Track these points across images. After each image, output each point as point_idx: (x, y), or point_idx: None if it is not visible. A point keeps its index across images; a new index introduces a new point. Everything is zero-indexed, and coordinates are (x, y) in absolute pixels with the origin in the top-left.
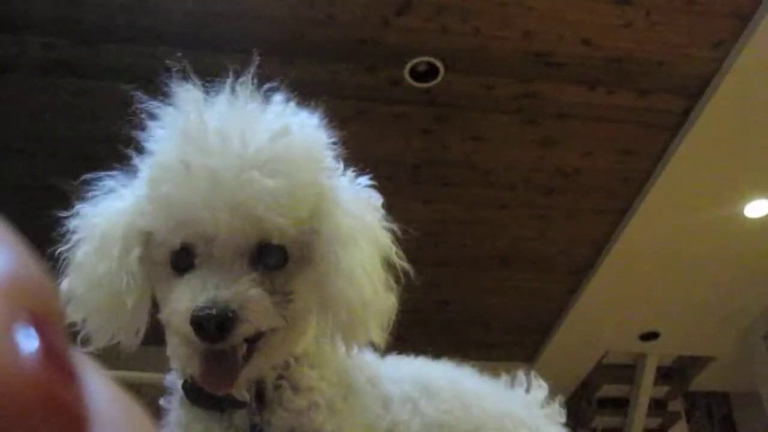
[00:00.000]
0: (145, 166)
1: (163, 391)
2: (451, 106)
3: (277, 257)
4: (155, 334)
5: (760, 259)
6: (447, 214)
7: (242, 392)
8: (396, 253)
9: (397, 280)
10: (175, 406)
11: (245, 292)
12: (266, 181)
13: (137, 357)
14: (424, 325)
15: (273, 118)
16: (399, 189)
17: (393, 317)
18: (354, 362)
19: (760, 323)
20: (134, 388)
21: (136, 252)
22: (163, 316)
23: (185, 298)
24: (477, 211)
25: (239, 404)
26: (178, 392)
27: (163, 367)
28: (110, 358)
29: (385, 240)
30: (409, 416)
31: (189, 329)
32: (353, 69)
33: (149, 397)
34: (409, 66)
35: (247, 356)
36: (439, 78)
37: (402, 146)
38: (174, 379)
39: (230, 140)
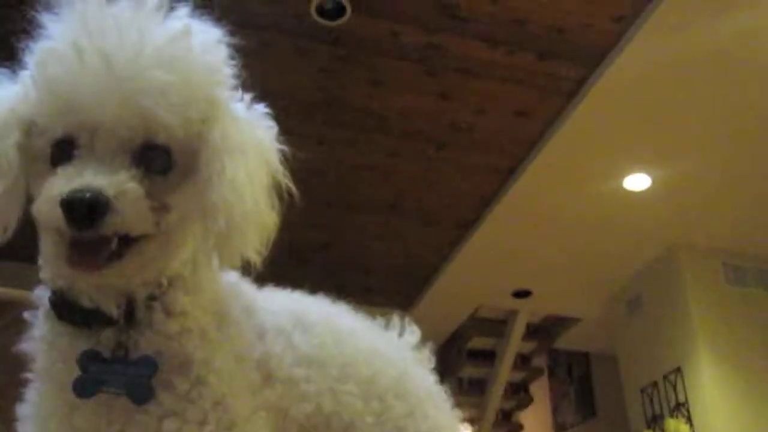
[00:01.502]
0: (34, 52)
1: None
2: (354, 48)
3: (162, 161)
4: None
5: (634, 229)
6: (339, 155)
7: (110, 307)
8: (283, 174)
9: (281, 199)
10: (41, 320)
11: (122, 184)
12: (159, 74)
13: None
14: (304, 263)
15: (175, 21)
16: (293, 125)
17: (272, 235)
18: (230, 291)
19: (626, 290)
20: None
21: (14, 137)
22: (35, 206)
23: (59, 184)
24: (369, 156)
25: (108, 322)
26: (45, 306)
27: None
28: None
29: (273, 157)
30: (281, 349)
31: (59, 214)
32: None
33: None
34: (316, 1)
35: (118, 255)
36: (346, 17)
37: (300, 82)
38: (42, 293)
39: (128, 32)
